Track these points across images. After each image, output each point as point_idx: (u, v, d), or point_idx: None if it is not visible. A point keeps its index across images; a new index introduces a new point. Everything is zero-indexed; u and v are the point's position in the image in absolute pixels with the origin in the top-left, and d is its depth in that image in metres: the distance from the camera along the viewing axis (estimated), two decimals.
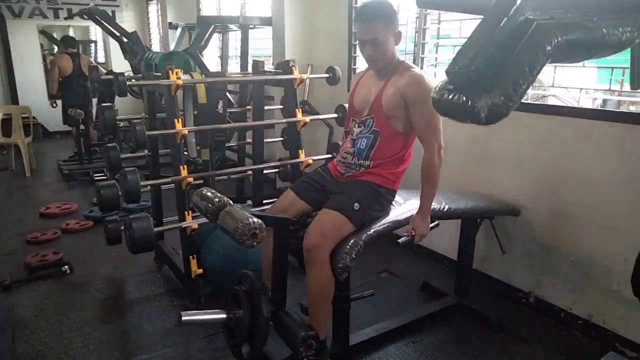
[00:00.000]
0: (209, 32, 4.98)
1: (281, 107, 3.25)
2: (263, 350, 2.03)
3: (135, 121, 2.73)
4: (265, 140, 3.35)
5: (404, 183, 2.20)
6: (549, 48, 1.22)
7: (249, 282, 1.97)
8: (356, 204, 2.02)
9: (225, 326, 2.01)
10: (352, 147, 2.17)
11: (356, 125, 2.18)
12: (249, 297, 1.93)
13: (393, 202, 2.20)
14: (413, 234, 2.11)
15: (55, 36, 9.06)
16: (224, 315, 1.94)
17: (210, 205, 1.80)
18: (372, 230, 2.06)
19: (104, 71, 4.83)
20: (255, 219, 1.69)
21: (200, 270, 2.69)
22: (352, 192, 2.07)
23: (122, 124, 4.54)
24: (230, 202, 1.84)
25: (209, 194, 1.87)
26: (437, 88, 1.35)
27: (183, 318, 1.86)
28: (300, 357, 1.93)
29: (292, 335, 1.97)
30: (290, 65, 3.01)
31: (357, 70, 3.86)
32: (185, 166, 2.67)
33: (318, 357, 1.98)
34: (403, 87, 2.04)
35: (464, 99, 1.26)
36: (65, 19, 7.75)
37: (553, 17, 1.27)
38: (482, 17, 1.27)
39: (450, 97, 1.29)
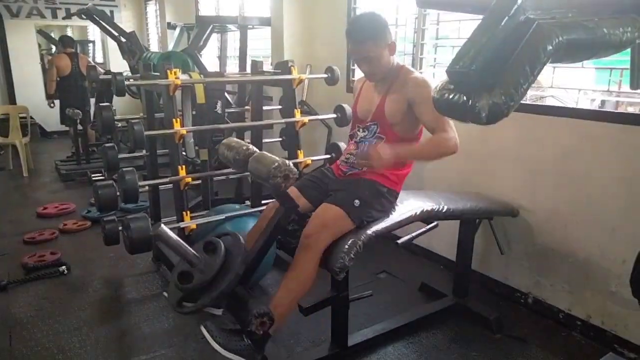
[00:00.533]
0: (207, 32, 4.98)
1: (280, 107, 3.24)
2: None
3: (133, 121, 2.73)
4: (263, 141, 3.34)
5: (405, 184, 2.20)
6: (550, 48, 1.22)
7: (232, 239, 1.91)
8: (356, 201, 2.02)
9: (183, 270, 1.88)
10: (355, 149, 2.19)
11: (360, 130, 2.20)
12: (227, 251, 1.87)
13: (394, 204, 2.19)
14: (366, 150, 1.97)
15: (53, 36, 9.04)
16: (196, 254, 1.86)
17: (238, 154, 1.80)
18: (371, 231, 2.06)
19: (102, 71, 4.82)
20: (286, 161, 1.70)
21: None
22: (354, 189, 2.07)
23: (120, 124, 4.52)
24: (256, 149, 1.83)
25: (234, 144, 1.86)
26: (438, 88, 1.35)
27: (160, 228, 1.79)
28: (249, 330, 1.81)
29: (248, 307, 1.84)
30: (289, 65, 3.01)
31: (356, 72, 3.85)
32: (183, 166, 2.66)
33: (262, 339, 1.89)
34: (405, 92, 2.04)
35: (465, 98, 1.26)
36: (64, 18, 7.74)
37: (554, 17, 1.27)
38: (482, 16, 1.26)
39: (451, 96, 1.29)
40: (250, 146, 1.86)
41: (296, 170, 1.72)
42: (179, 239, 1.89)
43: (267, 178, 1.69)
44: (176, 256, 2.95)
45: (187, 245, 1.88)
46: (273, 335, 1.98)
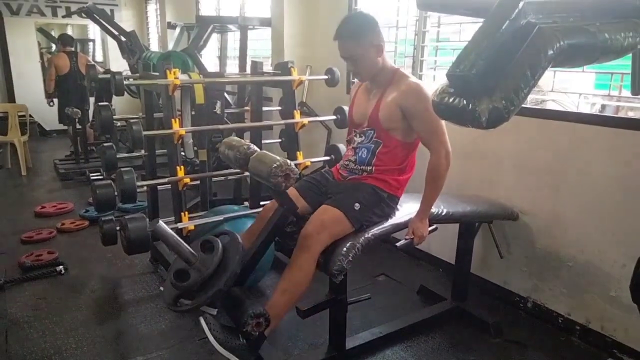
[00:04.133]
0: (207, 32, 4.97)
1: (279, 108, 3.23)
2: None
3: (132, 121, 2.72)
4: (263, 142, 3.33)
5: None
6: (551, 52, 1.21)
7: (230, 238, 1.90)
8: (357, 204, 2.01)
9: (180, 268, 1.86)
10: (353, 155, 2.17)
11: (357, 135, 2.19)
12: (225, 249, 1.86)
13: (394, 209, 2.18)
14: (412, 237, 2.09)
15: (53, 34, 9.03)
16: (193, 252, 1.84)
17: (239, 152, 1.80)
18: (369, 234, 2.05)
19: (102, 70, 4.81)
20: (288, 160, 1.71)
21: None
22: (354, 193, 2.06)
23: (119, 124, 4.52)
24: (258, 149, 1.84)
25: (235, 143, 1.87)
26: (438, 91, 1.34)
27: (158, 225, 1.78)
28: (244, 330, 1.80)
29: (244, 307, 1.84)
30: (289, 66, 3.00)
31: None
32: (182, 167, 2.65)
33: (257, 339, 1.89)
34: (399, 98, 2.02)
35: (465, 102, 1.25)
36: (64, 17, 7.73)
37: (555, 21, 1.27)
38: (483, 19, 1.26)
39: (451, 100, 1.28)
40: (252, 145, 1.86)
41: (297, 170, 1.72)
42: (176, 236, 1.88)
43: (268, 177, 1.69)
44: (173, 256, 2.95)
45: (184, 243, 1.87)
46: (268, 336, 1.96)
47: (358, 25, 2.04)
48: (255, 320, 1.80)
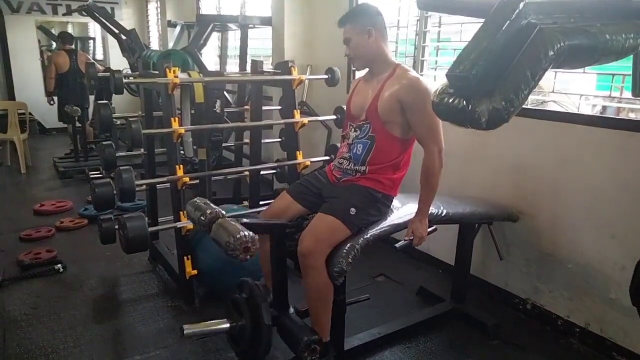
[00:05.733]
0: (208, 31, 4.96)
1: (279, 107, 3.22)
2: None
3: (131, 119, 2.72)
4: (262, 141, 3.33)
5: (402, 187, 2.18)
6: (552, 53, 1.21)
7: (248, 289, 1.95)
8: (352, 209, 1.99)
9: (229, 335, 2.00)
10: (347, 152, 2.15)
11: (353, 130, 2.16)
12: (249, 305, 1.92)
13: (390, 207, 2.17)
14: (412, 237, 2.08)
15: (53, 32, 9.02)
16: (227, 326, 1.95)
17: (202, 217, 1.78)
18: (369, 235, 2.03)
19: (101, 68, 4.80)
20: (247, 232, 1.65)
21: (195, 272, 2.67)
22: (349, 197, 2.04)
23: (118, 122, 4.50)
24: (223, 212, 1.80)
25: (202, 204, 1.84)
26: (437, 91, 1.33)
27: (186, 331, 1.85)
28: (303, 357, 1.93)
29: (295, 339, 1.96)
30: (289, 65, 2.99)
31: (357, 73, 3.84)
32: (181, 166, 2.65)
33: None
34: (398, 91, 2.01)
35: (464, 103, 1.24)
36: (64, 15, 7.72)
37: (556, 22, 1.26)
38: (484, 20, 1.25)
39: (451, 101, 1.27)
40: (216, 209, 1.80)
41: (257, 243, 1.67)
42: (204, 324, 2.01)
43: (226, 248, 1.65)
44: (173, 258, 2.95)
45: (215, 322, 2.01)
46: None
47: (357, 10, 2.18)
48: (311, 347, 1.93)
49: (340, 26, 2.16)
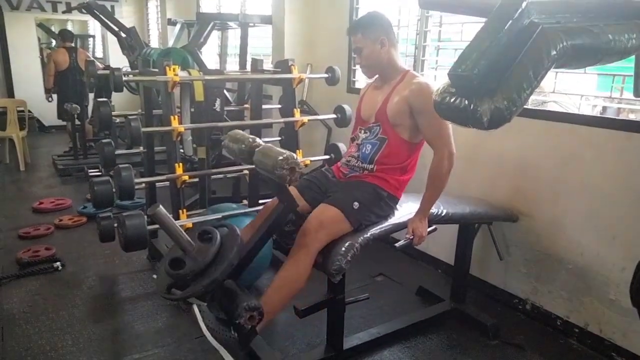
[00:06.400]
0: (208, 29, 4.95)
1: (279, 106, 3.22)
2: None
3: (131, 117, 2.70)
4: (262, 140, 3.31)
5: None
6: (554, 53, 1.20)
7: (228, 230, 1.88)
8: (356, 203, 2.01)
9: (176, 256, 1.84)
10: (356, 151, 2.18)
11: (362, 132, 2.20)
12: (223, 240, 1.84)
13: (394, 209, 2.17)
14: (411, 237, 2.08)
15: (53, 30, 9.00)
16: (190, 241, 1.82)
17: (244, 145, 1.80)
18: (368, 233, 2.04)
19: (101, 66, 4.79)
20: (293, 154, 1.70)
21: None
22: (353, 191, 2.05)
23: (118, 120, 4.49)
24: (262, 142, 1.83)
25: (240, 136, 1.86)
26: (439, 91, 1.32)
27: (157, 209, 1.75)
28: (237, 322, 1.79)
29: (238, 300, 1.81)
30: (290, 64, 2.98)
31: (357, 72, 3.84)
32: (180, 164, 2.64)
33: (249, 334, 1.86)
34: (408, 96, 2.05)
35: (466, 102, 1.24)
36: (64, 12, 7.70)
37: (559, 21, 1.25)
38: (486, 19, 1.24)
39: (452, 100, 1.27)
40: (257, 139, 1.86)
41: (302, 164, 1.70)
42: (175, 222, 1.84)
43: (274, 169, 1.67)
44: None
45: (182, 231, 1.85)
46: (261, 333, 1.95)
47: (369, 19, 2.16)
48: (249, 313, 1.77)
49: (351, 35, 2.15)
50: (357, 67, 3.86)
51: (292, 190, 2.20)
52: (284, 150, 1.72)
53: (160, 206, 1.79)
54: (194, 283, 1.78)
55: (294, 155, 1.69)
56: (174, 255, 1.86)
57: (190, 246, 1.83)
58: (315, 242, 1.92)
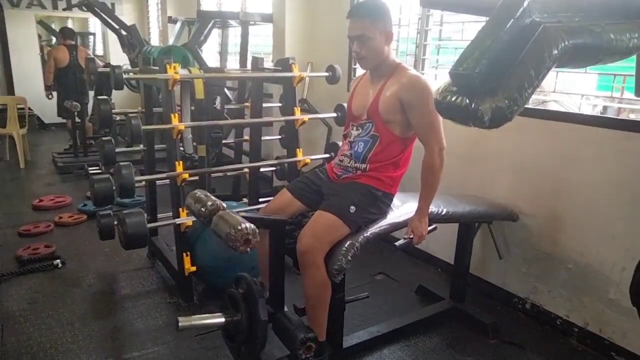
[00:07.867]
0: (208, 27, 4.95)
1: (280, 104, 3.22)
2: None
3: (131, 115, 2.70)
4: (262, 138, 3.32)
5: (402, 186, 2.18)
6: (556, 52, 1.20)
7: (245, 284, 1.94)
8: (352, 207, 1.99)
9: (224, 329, 1.99)
10: (349, 149, 2.14)
11: (354, 129, 2.15)
12: (246, 300, 1.91)
13: (391, 205, 2.17)
14: (411, 236, 2.08)
15: (53, 27, 8.99)
16: (222, 320, 1.92)
17: (203, 208, 1.76)
18: (368, 233, 2.03)
19: (102, 64, 4.78)
20: (248, 225, 1.63)
21: (194, 268, 2.66)
22: (349, 195, 2.03)
23: (118, 118, 4.50)
24: (224, 205, 1.78)
25: (202, 196, 1.82)
26: (440, 89, 1.32)
27: (180, 324, 1.82)
28: (298, 355, 1.92)
29: (291, 337, 1.96)
30: (290, 62, 2.98)
31: (358, 70, 3.83)
32: (180, 162, 2.64)
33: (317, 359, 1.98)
34: (399, 90, 2.00)
35: (467, 101, 1.24)
36: (64, 9, 7.71)
37: (560, 21, 1.25)
38: (487, 18, 1.24)
39: (454, 99, 1.27)
40: (217, 201, 1.78)
41: (258, 236, 1.65)
42: (199, 317, 1.94)
43: (227, 240, 1.64)
44: (172, 254, 2.94)
45: (211, 316, 1.96)
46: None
47: (375, 7, 2.02)
48: (305, 345, 1.92)
49: (356, 19, 2.00)
50: (357, 66, 3.87)
51: (285, 194, 2.21)
52: (241, 221, 1.64)
53: (180, 321, 1.83)
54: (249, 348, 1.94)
55: (250, 226, 1.63)
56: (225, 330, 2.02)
57: (227, 322, 1.94)
58: (318, 256, 1.92)
